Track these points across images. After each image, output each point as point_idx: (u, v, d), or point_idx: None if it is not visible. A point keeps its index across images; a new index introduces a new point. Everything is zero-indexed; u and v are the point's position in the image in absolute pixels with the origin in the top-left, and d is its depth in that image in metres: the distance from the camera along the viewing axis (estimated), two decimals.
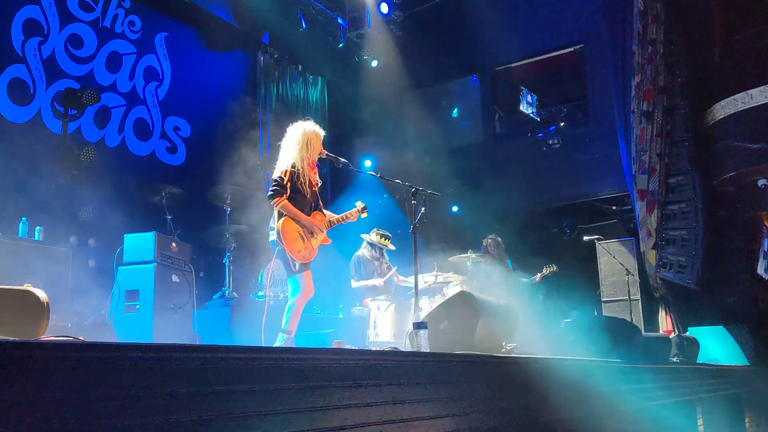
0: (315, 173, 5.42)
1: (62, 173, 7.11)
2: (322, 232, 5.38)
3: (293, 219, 5.14)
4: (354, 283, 7.71)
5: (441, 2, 12.78)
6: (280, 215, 5.14)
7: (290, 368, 2.43)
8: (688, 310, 9.55)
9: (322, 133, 5.43)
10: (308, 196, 5.27)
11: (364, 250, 7.84)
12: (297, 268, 5.14)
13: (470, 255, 8.30)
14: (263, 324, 5.21)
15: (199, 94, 9.69)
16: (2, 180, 6.52)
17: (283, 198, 5.08)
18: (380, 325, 7.03)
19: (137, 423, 1.85)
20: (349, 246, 7.87)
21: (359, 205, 5.80)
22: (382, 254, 7.83)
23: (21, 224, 5.94)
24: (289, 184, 5.13)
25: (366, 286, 7.62)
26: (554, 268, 9.05)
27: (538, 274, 9.06)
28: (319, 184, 5.50)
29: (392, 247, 7.79)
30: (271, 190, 5.13)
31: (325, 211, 5.58)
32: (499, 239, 8.97)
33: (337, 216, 5.63)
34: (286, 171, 5.17)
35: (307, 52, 11.13)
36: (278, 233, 5.08)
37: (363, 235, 7.82)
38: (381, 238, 7.68)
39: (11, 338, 2.24)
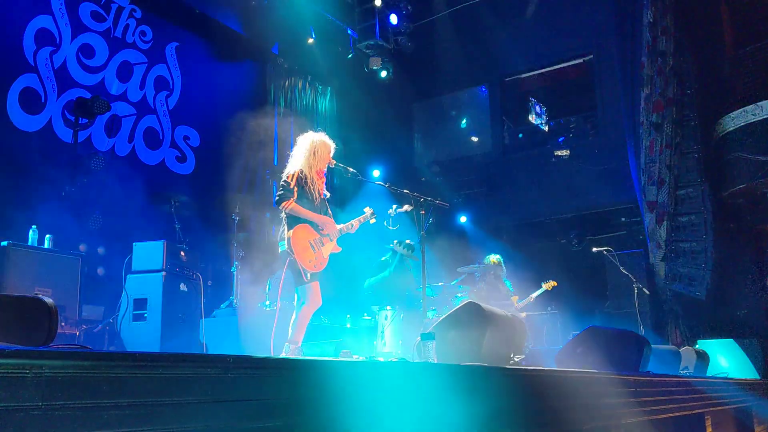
0: (322, 182, 5.41)
1: (72, 182, 7.16)
2: (332, 239, 5.37)
3: (306, 222, 5.12)
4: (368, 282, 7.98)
5: (450, 13, 12.81)
6: (290, 225, 5.11)
7: None
8: (698, 323, 9.48)
9: (331, 143, 5.43)
10: (317, 203, 5.26)
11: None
12: (308, 277, 5.10)
13: (478, 266, 8.29)
14: (273, 333, 5.19)
15: (209, 103, 9.73)
16: (13, 188, 6.57)
17: (291, 201, 5.07)
18: (388, 335, 7.03)
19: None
20: (357, 254, 7.87)
21: (368, 210, 5.80)
22: (406, 264, 7.96)
23: (31, 232, 5.99)
24: (296, 188, 5.12)
25: (376, 284, 7.79)
26: (554, 283, 8.87)
27: (533, 294, 8.84)
28: (328, 196, 5.50)
29: (416, 258, 7.87)
30: (278, 195, 5.12)
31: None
32: (502, 263, 8.76)
33: (346, 224, 5.61)
34: (291, 175, 5.17)
35: (316, 63, 11.19)
36: (289, 243, 5.06)
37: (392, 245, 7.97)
38: (404, 248, 7.80)
39: (19, 346, 2.25)
